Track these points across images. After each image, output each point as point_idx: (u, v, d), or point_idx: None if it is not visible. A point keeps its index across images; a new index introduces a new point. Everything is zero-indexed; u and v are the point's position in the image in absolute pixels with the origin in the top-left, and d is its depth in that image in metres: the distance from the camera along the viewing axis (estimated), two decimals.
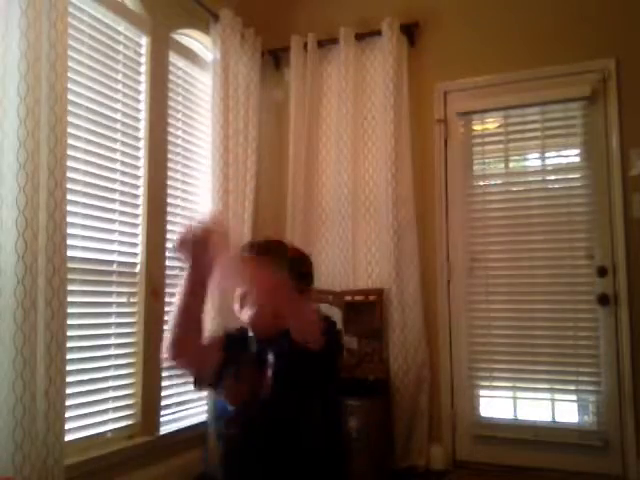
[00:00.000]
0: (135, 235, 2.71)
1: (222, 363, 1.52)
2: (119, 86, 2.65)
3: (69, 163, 2.19)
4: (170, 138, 2.97)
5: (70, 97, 2.24)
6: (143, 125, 2.78)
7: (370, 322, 3.20)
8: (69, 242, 2.17)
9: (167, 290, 2.86)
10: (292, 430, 1.46)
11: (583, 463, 2.94)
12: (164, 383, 2.82)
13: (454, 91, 3.38)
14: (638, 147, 2.97)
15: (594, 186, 3.07)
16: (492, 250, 3.25)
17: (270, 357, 1.50)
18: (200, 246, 1.36)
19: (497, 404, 3.19)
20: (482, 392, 3.22)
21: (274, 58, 3.71)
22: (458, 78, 3.36)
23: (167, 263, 2.88)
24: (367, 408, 2.94)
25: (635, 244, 2.95)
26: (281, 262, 1.48)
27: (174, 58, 3.05)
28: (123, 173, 2.65)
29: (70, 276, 2.18)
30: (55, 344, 2.03)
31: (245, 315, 1.53)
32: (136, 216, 2.72)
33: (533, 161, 3.33)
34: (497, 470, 3.08)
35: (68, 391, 2.16)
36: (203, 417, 3.04)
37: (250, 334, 1.57)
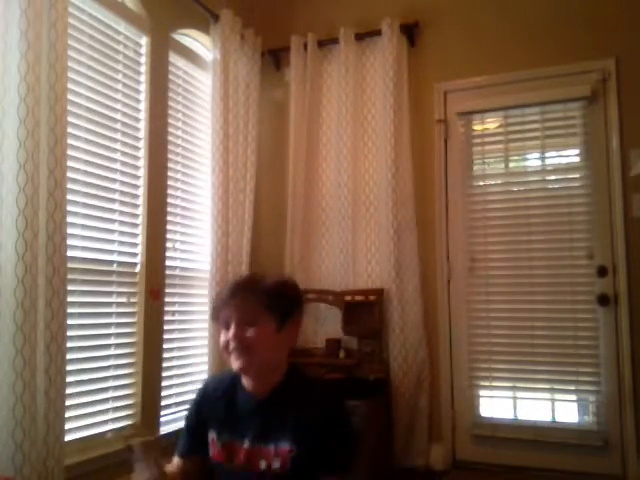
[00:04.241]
0: (135, 235, 2.71)
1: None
2: (119, 86, 2.65)
3: (69, 163, 2.19)
4: (170, 138, 2.97)
5: (70, 97, 2.24)
6: (143, 125, 2.78)
7: (370, 322, 3.20)
8: (69, 242, 2.17)
9: (167, 290, 2.87)
10: None
11: (583, 463, 2.94)
12: (164, 383, 2.82)
13: (454, 91, 3.38)
14: (638, 147, 2.97)
15: (594, 186, 3.07)
16: (492, 250, 3.25)
17: (285, 445, 1.41)
18: None
19: (497, 404, 3.19)
20: (482, 392, 3.22)
21: (274, 58, 3.71)
22: (458, 78, 3.35)
23: (167, 263, 2.89)
24: (367, 408, 2.93)
25: (635, 244, 2.95)
26: (261, 299, 1.42)
27: (174, 58, 3.05)
28: (123, 173, 2.65)
29: (70, 276, 2.18)
30: (55, 344, 2.03)
31: (235, 363, 1.42)
32: (136, 216, 2.73)
33: (533, 161, 3.33)
34: (497, 470, 3.07)
35: (68, 391, 2.16)
36: None
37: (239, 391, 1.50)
